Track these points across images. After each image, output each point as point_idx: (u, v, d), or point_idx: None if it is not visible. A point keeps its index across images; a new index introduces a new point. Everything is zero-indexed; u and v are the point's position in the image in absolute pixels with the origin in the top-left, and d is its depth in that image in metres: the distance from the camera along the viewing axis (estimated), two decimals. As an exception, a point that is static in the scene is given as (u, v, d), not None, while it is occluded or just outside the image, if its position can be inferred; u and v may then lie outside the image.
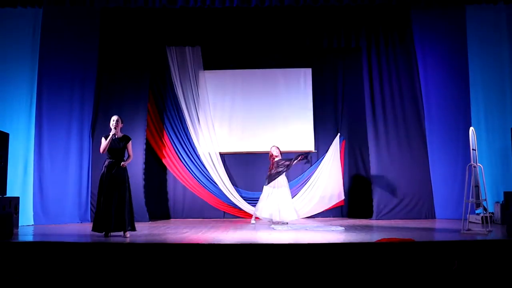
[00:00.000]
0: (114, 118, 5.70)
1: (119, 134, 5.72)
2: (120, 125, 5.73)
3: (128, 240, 5.24)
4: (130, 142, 5.80)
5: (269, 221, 7.44)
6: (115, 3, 7.18)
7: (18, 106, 7.52)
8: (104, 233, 5.53)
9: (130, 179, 5.77)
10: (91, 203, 7.90)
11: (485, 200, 5.90)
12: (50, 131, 7.68)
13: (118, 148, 5.66)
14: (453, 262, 4.38)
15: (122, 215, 5.51)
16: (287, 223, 7.24)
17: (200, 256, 4.50)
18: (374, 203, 8.06)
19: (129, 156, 5.80)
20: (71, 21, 7.87)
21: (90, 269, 4.48)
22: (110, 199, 5.51)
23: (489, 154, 7.59)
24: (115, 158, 5.65)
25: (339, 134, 8.86)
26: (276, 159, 7.64)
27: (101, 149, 5.67)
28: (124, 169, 5.67)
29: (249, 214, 8.42)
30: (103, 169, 5.65)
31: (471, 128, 5.92)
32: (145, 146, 8.20)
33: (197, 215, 8.62)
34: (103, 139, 5.71)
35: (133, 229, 5.63)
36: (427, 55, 8.21)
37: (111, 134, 5.64)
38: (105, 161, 5.70)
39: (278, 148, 7.75)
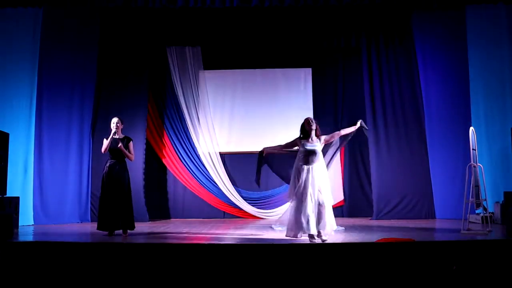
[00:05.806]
0: (114, 120, 5.82)
1: (120, 135, 5.82)
2: (121, 126, 5.84)
3: (128, 239, 5.27)
4: (131, 142, 5.91)
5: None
6: (115, 3, 7.18)
7: (18, 106, 7.51)
8: (108, 232, 5.61)
9: (130, 179, 5.88)
10: (91, 203, 7.92)
11: (485, 200, 5.89)
12: (50, 131, 7.67)
13: (118, 148, 5.73)
14: (453, 263, 4.38)
15: (124, 214, 5.62)
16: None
17: (200, 256, 4.50)
18: (374, 203, 8.06)
19: (129, 155, 5.84)
20: (71, 22, 7.87)
21: (90, 269, 4.48)
22: (112, 199, 5.61)
23: (489, 154, 7.57)
24: (116, 159, 5.77)
25: (339, 134, 8.85)
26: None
27: (102, 149, 5.81)
28: (125, 169, 5.80)
29: (249, 214, 8.44)
30: (104, 169, 5.76)
31: (471, 128, 5.91)
32: (145, 146, 8.21)
33: (197, 215, 8.62)
34: (104, 139, 5.80)
35: (132, 227, 5.72)
36: (427, 55, 8.20)
37: (111, 134, 5.73)
38: (106, 162, 5.82)
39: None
